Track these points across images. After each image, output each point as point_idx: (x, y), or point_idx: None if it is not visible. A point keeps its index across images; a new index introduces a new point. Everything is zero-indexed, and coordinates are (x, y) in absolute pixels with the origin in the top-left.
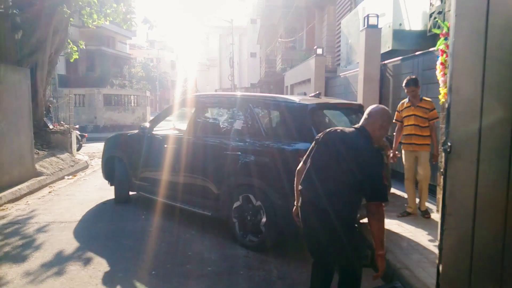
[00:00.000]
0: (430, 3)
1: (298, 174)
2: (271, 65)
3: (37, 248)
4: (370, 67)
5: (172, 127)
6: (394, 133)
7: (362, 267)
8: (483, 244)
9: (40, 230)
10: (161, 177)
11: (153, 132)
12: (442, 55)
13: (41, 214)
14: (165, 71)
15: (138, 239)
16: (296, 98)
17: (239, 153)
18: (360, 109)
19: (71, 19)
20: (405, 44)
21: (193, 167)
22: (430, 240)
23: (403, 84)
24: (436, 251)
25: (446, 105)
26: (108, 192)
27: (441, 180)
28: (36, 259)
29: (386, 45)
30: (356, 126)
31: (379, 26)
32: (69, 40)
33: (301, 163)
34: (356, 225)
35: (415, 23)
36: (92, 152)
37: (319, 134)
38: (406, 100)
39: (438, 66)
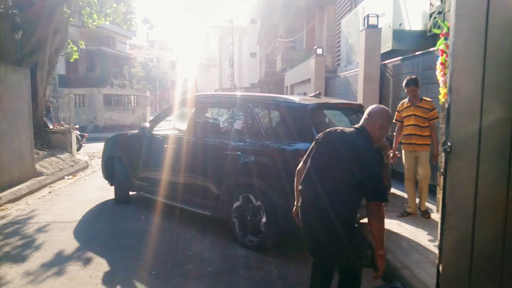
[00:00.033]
0: (430, 3)
1: (298, 174)
2: (271, 65)
3: (37, 248)
4: (370, 67)
5: (172, 127)
6: (394, 133)
7: (362, 267)
8: (483, 244)
9: (40, 230)
10: (161, 177)
11: (153, 132)
12: (442, 55)
13: (41, 214)
14: (165, 71)
15: (138, 239)
16: (296, 98)
17: (239, 153)
18: (360, 109)
19: (71, 19)
20: (405, 44)
21: (193, 167)
22: (430, 240)
23: (403, 84)
24: (436, 251)
25: (446, 105)
26: (108, 192)
27: (441, 180)
28: (36, 259)
29: (386, 45)
30: (356, 126)
31: (379, 26)
32: (69, 40)
33: (301, 163)
34: (356, 225)
35: (415, 23)
36: (92, 152)
37: (319, 134)
38: (406, 100)
39: (438, 66)
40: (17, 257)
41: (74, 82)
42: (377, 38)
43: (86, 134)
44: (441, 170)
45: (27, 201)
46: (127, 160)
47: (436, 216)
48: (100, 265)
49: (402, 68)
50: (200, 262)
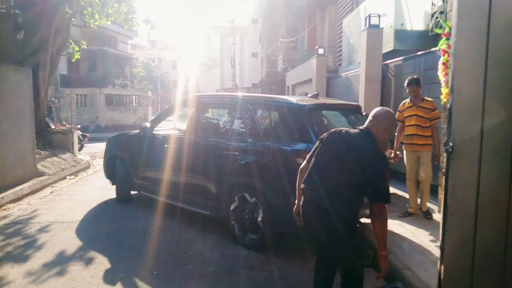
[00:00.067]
0: (432, 3)
1: (301, 172)
2: (272, 65)
3: (39, 248)
4: (372, 67)
5: (173, 127)
6: (396, 133)
7: (364, 267)
8: (485, 244)
9: (42, 230)
10: (161, 177)
11: (154, 132)
12: (444, 55)
13: (43, 214)
14: (167, 71)
15: (140, 239)
16: (294, 99)
17: (237, 153)
18: (357, 109)
19: (72, 19)
20: (407, 44)
21: (193, 167)
22: (431, 241)
23: (405, 84)
24: (438, 251)
25: (448, 105)
26: (109, 192)
27: (443, 180)
28: (38, 259)
29: (388, 45)
30: (361, 127)
31: (381, 26)
32: (70, 40)
33: (305, 161)
34: (357, 225)
35: (417, 23)
36: (94, 152)
37: (324, 134)
38: (408, 100)
39: (440, 66)
40: (19, 257)
41: (76, 82)
42: (378, 38)
43: (87, 134)
44: (443, 170)
45: (29, 201)
46: (129, 159)
47: (437, 216)
48: (102, 265)
49: (403, 68)
50: (201, 262)
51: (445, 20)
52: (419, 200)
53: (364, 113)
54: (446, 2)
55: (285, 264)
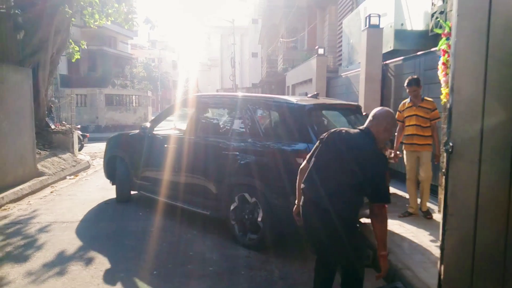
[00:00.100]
0: (432, 3)
1: (301, 172)
2: (272, 65)
3: (39, 248)
4: (372, 67)
5: (173, 127)
6: (396, 133)
7: (364, 267)
8: (485, 244)
9: (42, 230)
10: (161, 177)
11: (154, 132)
12: (444, 55)
13: (43, 214)
14: (167, 71)
15: (140, 239)
16: (294, 99)
17: (237, 153)
18: (357, 109)
19: (72, 19)
20: (407, 44)
21: (193, 167)
22: (431, 241)
23: (405, 84)
24: (438, 251)
25: (448, 105)
26: (109, 192)
27: (443, 180)
28: (37, 259)
29: (388, 45)
30: (361, 127)
31: (381, 26)
32: (70, 40)
33: (305, 161)
34: (357, 225)
35: (417, 23)
36: (94, 152)
37: (324, 134)
38: (408, 100)
39: (440, 66)
40: (19, 257)
41: (75, 82)
42: (378, 38)
43: (87, 134)
44: (443, 170)
45: (29, 201)
46: (129, 159)
47: (437, 216)
48: (102, 265)
49: (403, 68)
50: (201, 262)
51: (445, 20)
52: (419, 200)
53: (364, 113)
54: (446, 2)
55: (285, 264)
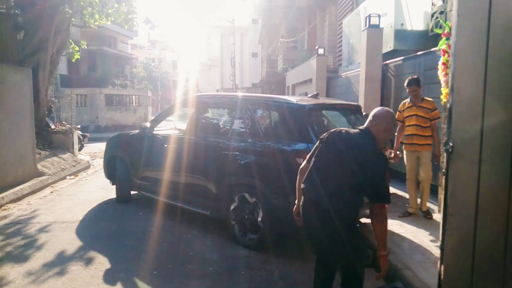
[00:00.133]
0: (432, 3)
1: (301, 172)
2: (272, 65)
3: (39, 248)
4: (372, 67)
5: (173, 127)
6: (396, 133)
7: (364, 267)
8: (485, 244)
9: (42, 230)
10: (161, 177)
11: (154, 132)
12: (444, 55)
13: (43, 214)
14: (167, 71)
15: (140, 239)
16: (293, 99)
17: (237, 153)
18: (357, 109)
19: (72, 19)
20: (407, 44)
21: (192, 167)
22: (431, 241)
23: (405, 84)
24: (438, 251)
25: (448, 105)
26: (109, 192)
27: (443, 180)
28: (37, 259)
29: (388, 45)
30: (361, 127)
31: (381, 26)
32: (70, 40)
33: (305, 161)
34: (357, 225)
35: (417, 23)
36: (94, 152)
37: (324, 134)
38: (408, 100)
39: (440, 66)
40: (19, 257)
41: (75, 82)
42: (378, 38)
43: (87, 134)
44: (443, 170)
45: (29, 201)
46: (129, 159)
47: (437, 216)
48: (102, 265)
49: (403, 68)
50: (201, 262)
51: (445, 20)
52: (419, 200)
53: (364, 113)
54: (446, 2)
55: (285, 264)
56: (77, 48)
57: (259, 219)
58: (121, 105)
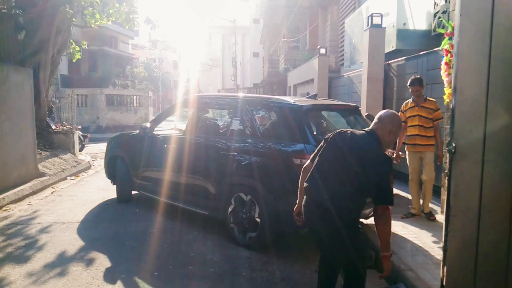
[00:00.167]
0: (435, 3)
1: (304, 171)
2: (274, 65)
3: (40, 248)
4: (374, 67)
5: (174, 127)
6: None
7: (366, 268)
8: (488, 245)
9: (42, 230)
10: (161, 177)
11: (154, 132)
12: (446, 55)
13: (43, 214)
14: (168, 71)
15: (140, 239)
16: (292, 99)
17: (236, 153)
18: (356, 110)
19: (73, 19)
20: (409, 43)
21: (191, 167)
22: (434, 242)
23: (408, 84)
24: (441, 252)
25: (451, 106)
26: (110, 193)
27: (446, 181)
28: (38, 260)
29: (390, 44)
30: (366, 129)
31: (383, 26)
32: (71, 40)
33: (309, 160)
34: (359, 225)
35: (419, 22)
36: (95, 153)
37: (329, 134)
38: (410, 100)
39: (443, 66)
40: (19, 258)
41: (76, 82)
42: (381, 37)
43: (88, 135)
44: (446, 171)
45: (30, 202)
46: (129, 159)
47: (440, 217)
48: (103, 266)
49: (406, 68)
50: (202, 263)
51: (448, 20)
52: (421, 201)
53: (366, 113)
54: (449, 2)
55: (286, 265)
56: (78, 48)
57: (256, 215)
58: (122, 106)
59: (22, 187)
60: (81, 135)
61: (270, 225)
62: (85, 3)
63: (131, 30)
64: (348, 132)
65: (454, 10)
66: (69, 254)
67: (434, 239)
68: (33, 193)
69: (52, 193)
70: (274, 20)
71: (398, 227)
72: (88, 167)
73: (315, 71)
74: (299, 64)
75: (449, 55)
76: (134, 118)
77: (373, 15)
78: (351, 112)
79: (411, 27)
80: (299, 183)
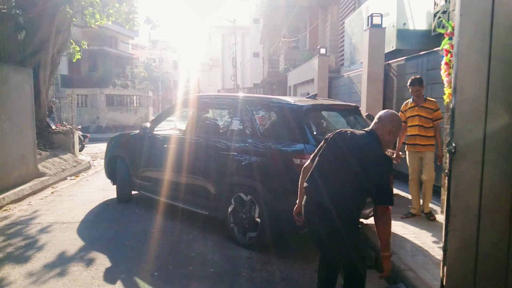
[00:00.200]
0: (435, 3)
1: (304, 171)
2: (274, 65)
3: (40, 248)
4: (374, 67)
5: (174, 127)
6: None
7: (366, 268)
8: (488, 245)
9: (42, 230)
10: (161, 177)
11: (154, 132)
12: (446, 55)
13: (43, 214)
14: (168, 71)
15: (140, 239)
16: (292, 99)
17: (236, 153)
18: (356, 110)
19: (73, 19)
20: (409, 43)
21: (191, 167)
22: (434, 242)
23: (408, 84)
24: (441, 252)
25: (451, 106)
26: (110, 193)
27: (446, 181)
28: (38, 260)
29: (390, 44)
30: (366, 129)
31: (383, 26)
32: (71, 40)
33: (309, 160)
34: (359, 225)
35: (419, 22)
36: (95, 153)
37: (329, 134)
38: (410, 100)
39: (443, 66)
40: (19, 258)
41: (76, 82)
42: (381, 37)
43: (88, 135)
44: (446, 171)
45: (30, 202)
46: (129, 159)
47: (440, 217)
48: (103, 266)
49: (406, 68)
50: (202, 263)
51: (448, 20)
52: (421, 201)
53: (366, 113)
54: (449, 2)
55: (286, 265)
56: (77, 48)
57: (256, 215)
58: (122, 106)
59: (22, 187)
60: (81, 135)
61: (270, 225)
62: (85, 3)
63: (131, 30)
64: (348, 132)
65: (454, 10)
66: (69, 254)
67: (434, 239)
68: (33, 193)
69: (52, 193)
70: (274, 20)
71: (398, 227)
72: (88, 167)
73: (315, 71)
74: (299, 64)
75: (449, 55)
76: (134, 118)
77: (373, 15)
78: (351, 112)
79: (411, 27)
80: (299, 183)
